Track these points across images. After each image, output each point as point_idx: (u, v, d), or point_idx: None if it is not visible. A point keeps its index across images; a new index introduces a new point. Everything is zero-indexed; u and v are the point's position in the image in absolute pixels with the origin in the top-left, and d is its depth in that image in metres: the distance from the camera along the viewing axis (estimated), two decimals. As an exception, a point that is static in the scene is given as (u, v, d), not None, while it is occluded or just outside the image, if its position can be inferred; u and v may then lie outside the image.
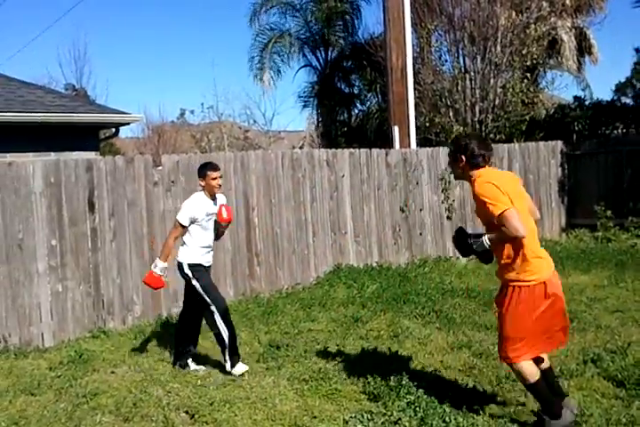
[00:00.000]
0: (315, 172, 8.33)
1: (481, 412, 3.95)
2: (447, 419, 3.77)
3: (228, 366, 4.97)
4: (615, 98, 13.23)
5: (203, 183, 5.04)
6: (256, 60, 18.68)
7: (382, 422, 3.85)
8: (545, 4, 12.77)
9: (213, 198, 5.11)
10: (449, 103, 12.23)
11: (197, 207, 5.00)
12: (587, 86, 16.94)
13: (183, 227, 4.99)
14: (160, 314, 6.80)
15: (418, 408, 3.95)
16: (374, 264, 8.69)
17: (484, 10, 11.77)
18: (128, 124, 12.96)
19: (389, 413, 3.96)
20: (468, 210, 9.92)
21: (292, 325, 6.30)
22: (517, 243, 3.55)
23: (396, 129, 10.25)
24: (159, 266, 5.00)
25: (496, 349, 4.00)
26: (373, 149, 9.08)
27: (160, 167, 6.98)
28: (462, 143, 3.73)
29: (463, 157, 3.70)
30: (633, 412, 3.82)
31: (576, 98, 14.04)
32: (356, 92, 19.41)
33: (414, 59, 11.03)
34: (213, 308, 4.97)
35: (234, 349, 5.02)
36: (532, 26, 12.09)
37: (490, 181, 3.54)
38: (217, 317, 4.96)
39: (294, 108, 56.47)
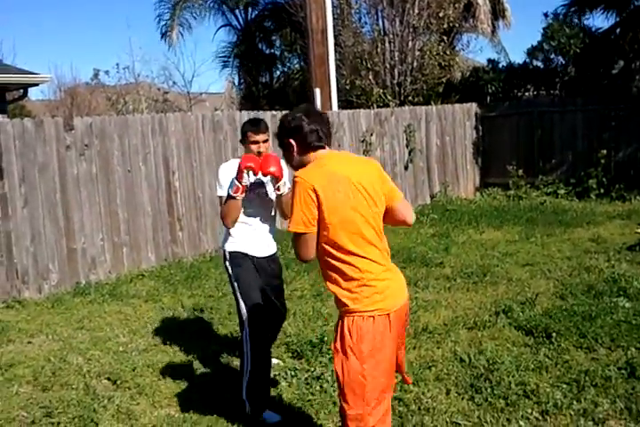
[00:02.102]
0: (236, 134, 8.18)
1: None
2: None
3: (246, 407, 3.53)
4: (527, 61, 13.55)
5: (243, 146, 3.79)
6: (166, 16, 18.06)
7: (305, 378, 3.94)
8: (461, -34, 12.90)
9: None
10: (369, 66, 12.26)
11: (229, 173, 3.64)
12: (501, 49, 17.39)
13: (225, 198, 3.62)
14: (78, 282, 6.62)
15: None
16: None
17: (403, -29, 11.79)
18: (37, 84, 12.34)
19: (312, 369, 4.06)
20: (388, 170, 10.14)
21: (216, 288, 6.27)
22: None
23: (317, 91, 10.20)
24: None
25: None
26: (295, 111, 9.01)
27: (73, 131, 6.68)
28: (288, 124, 2.66)
29: (292, 142, 2.64)
30: (540, 358, 4.07)
31: (490, 61, 14.26)
32: (277, 53, 19.08)
33: (334, 20, 10.94)
34: (245, 318, 3.60)
35: (254, 389, 3.52)
36: (449, -12, 12.23)
37: (308, 183, 2.48)
38: (245, 332, 3.59)
39: (215, 70, 55.16)
